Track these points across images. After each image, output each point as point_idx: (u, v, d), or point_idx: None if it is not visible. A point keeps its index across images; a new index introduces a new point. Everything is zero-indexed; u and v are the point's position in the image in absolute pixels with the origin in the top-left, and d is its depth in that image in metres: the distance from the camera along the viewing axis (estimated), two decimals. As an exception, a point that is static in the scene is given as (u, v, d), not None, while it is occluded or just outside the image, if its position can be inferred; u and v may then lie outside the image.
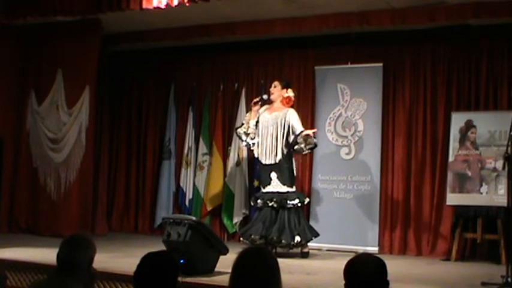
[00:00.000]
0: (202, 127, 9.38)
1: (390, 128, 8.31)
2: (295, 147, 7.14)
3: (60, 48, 8.83)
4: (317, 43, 8.70)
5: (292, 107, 7.42)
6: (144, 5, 7.28)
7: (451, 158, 7.56)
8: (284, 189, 7.16)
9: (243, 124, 7.56)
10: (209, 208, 9.12)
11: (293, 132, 7.17)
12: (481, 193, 7.28)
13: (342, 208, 8.15)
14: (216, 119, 9.31)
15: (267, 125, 7.30)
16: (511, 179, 5.33)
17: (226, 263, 5.52)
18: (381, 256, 2.73)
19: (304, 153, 7.42)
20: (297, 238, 6.93)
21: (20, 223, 8.97)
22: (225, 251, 5.81)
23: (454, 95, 8.01)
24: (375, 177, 8.11)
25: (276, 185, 7.20)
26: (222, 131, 9.25)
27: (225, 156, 9.14)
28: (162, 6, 7.20)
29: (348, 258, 2.67)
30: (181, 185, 9.38)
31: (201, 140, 9.36)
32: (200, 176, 9.28)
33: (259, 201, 7.29)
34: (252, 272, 2.50)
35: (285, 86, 7.42)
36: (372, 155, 8.18)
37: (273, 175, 7.22)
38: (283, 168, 7.19)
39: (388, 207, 8.16)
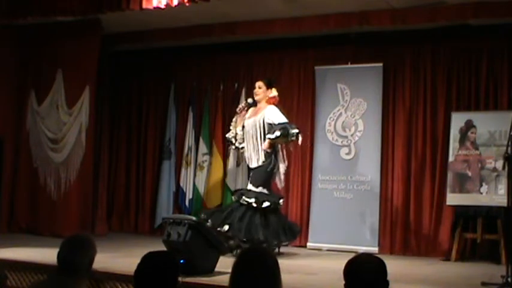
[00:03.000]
0: (202, 127, 9.38)
1: (390, 128, 8.31)
2: (272, 136, 6.92)
3: (60, 48, 8.83)
4: (317, 43, 8.70)
5: (276, 105, 7.27)
6: (144, 5, 7.28)
7: (451, 158, 7.56)
8: (249, 187, 7.04)
9: (230, 130, 7.48)
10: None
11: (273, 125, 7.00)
12: (481, 193, 7.28)
13: (342, 208, 8.15)
14: (216, 119, 9.31)
15: (249, 129, 7.19)
16: (511, 179, 5.33)
17: (226, 263, 5.52)
18: (381, 256, 2.73)
19: (288, 142, 7.12)
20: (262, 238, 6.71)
21: (20, 223, 8.97)
22: (225, 251, 5.80)
23: (454, 95, 8.01)
24: (374, 177, 8.12)
25: (250, 184, 7.08)
26: (222, 131, 9.24)
27: (225, 156, 9.14)
28: (162, 6, 7.19)
29: (348, 258, 2.67)
30: (181, 185, 9.38)
31: (201, 140, 9.36)
32: (200, 176, 9.28)
33: (234, 197, 7.21)
34: (252, 272, 2.50)
35: (269, 86, 7.30)
36: (372, 155, 8.18)
37: (250, 175, 7.18)
38: (262, 170, 7.03)
39: (388, 207, 8.16)
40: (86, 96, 8.69)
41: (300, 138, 7.15)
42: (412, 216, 8.04)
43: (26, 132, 9.08)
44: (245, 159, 7.36)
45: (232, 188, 8.94)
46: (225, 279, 5.09)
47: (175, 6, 7.15)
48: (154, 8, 7.26)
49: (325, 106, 8.54)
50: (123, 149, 10.04)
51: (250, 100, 7.39)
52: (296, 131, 7.00)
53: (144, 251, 2.89)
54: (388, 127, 8.32)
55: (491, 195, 7.20)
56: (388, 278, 2.61)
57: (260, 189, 6.99)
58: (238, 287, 2.52)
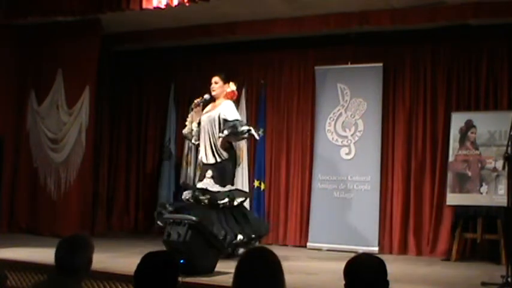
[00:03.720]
0: (203, 127, 9.36)
1: (390, 128, 8.32)
2: (222, 134, 6.76)
3: (60, 48, 8.83)
4: (317, 43, 8.70)
5: (234, 100, 7.11)
6: (144, 5, 7.28)
7: (451, 158, 7.56)
8: (215, 188, 6.79)
9: (186, 126, 7.29)
10: (209, 208, 9.11)
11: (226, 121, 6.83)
12: (481, 193, 7.28)
13: (342, 208, 8.15)
14: (216, 119, 9.30)
15: (204, 124, 6.98)
16: (511, 179, 5.33)
17: (226, 263, 5.53)
18: (381, 256, 2.73)
19: (240, 139, 7.02)
20: (240, 236, 6.63)
21: (20, 223, 8.97)
22: (225, 251, 5.80)
23: (454, 95, 8.01)
24: (374, 177, 8.12)
25: (207, 183, 6.84)
26: (222, 131, 9.24)
27: (225, 156, 9.12)
28: (162, 6, 7.20)
29: (348, 258, 2.67)
30: (181, 184, 9.37)
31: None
32: (200, 176, 9.26)
33: (186, 192, 7.05)
34: (255, 272, 2.50)
35: (226, 80, 7.08)
36: (372, 155, 8.18)
37: (209, 173, 6.89)
38: (220, 167, 6.84)
39: (388, 207, 8.16)
40: (86, 96, 8.69)
41: (256, 135, 7.00)
42: (412, 216, 8.04)
43: (26, 132, 9.08)
44: (199, 155, 7.09)
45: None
46: (225, 279, 5.11)
47: (175, 6, 7.16)
48: (154, 8, 7.26)
49: (325, 106, 8.54)
50: (123, 149, 10.04)
51: (206, 96, 7.11)
52: (245, 128, 6.77)
53: (144, 251, 2.89)
54: (388, 127, 8.32)
55: (491, 195, 7.20)
56: (388, 278, 2.61)
57: (229, 187, 6.85)
58: (242, 287, 2.53)
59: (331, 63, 8.60)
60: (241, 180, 8.92)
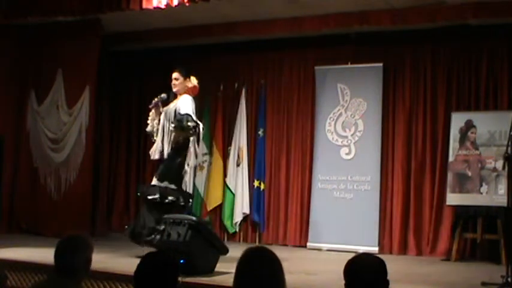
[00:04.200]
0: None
1: (390, 128, 8.32)
2: (170, 127, 6.59)
3: (60, 48, 8.83)
4: (317, 43, 8.71)
5: (196, 95, 6.86)
6: (144, 5, 7.28)
7: (451, 158, 7.56)
8: (163, 184, 6.58)
9: (148, 124, 6.99)
10: (209, 208, 9.12)
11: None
12: (481, 193, 7.28)
13: (342, 208, 8.15)
14: (216, 119, 9.31)
15: (162, 120, 6.75)
16: (511, 179, 5.33)
17: (226, 263, 5.53)
18: (381, 256, 2.73)
19: (188, 135, 6.62)
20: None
21: (20, 223, 8.97)
22: (225, 251, 5.80)
23: (454, 95, 8.01)
24: (374, 177, 8.12)
25: (155, 179, 6.69)
26: (222, 131, 9.26)
27: (225, 156, 9.15)
28: (162, 6, 7.19)
29: (348, 258, 2.67)
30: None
31: (201, 140, 9.34)
32: (200, 176, 9.27)
33: (139, 194, 6.88)
34: (255, 272, 2.51)
35: (187, 75, 6.83)
36: (372, 155, 8.18)
37: (159, 169, 6.75)
38: (168, 163, 6.63)
39: (388, 207, 8.16)
40: (86, 96, 8.69)
41: (202, 133, 6.78)
42: (412, 216, 8.04)
43: (26, 132, 9.08)
44: (158, 151, 6.77)
45: (233, 188, 8.97)
46: (225, 279, 5.11)
47: (176, 6, 7.15)
48: (154, 8, 7.26)
49: (325, 106, 8.54)
50: (123, 149, 10.04)
51: (163, 95, 6.88)
52: (191, 124, 6.50)
53: (144, 251, 2.88)
54: (388, 127, 8.32)
55: (491, 195, 7.20)
56: (388, 278, 2.61)
57: (166, 183, 6.58)
58: (243, 286, 2.53)
59: (331, 63, 8.60)
60: (242, 180, 8.94)
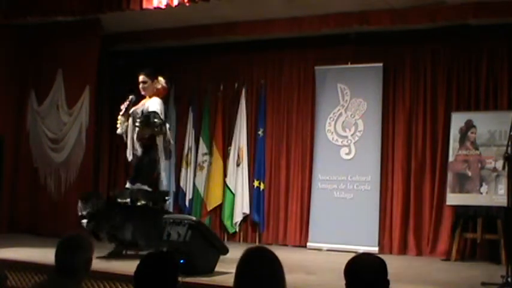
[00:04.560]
0: (202, 127, 9.38)
1: (390, 128, 8.32)
2: (136, 124, 6.54)
3: (60, 48, 8.83)
4: (317, 43, 8.71)
5: (165, 95, 6.85)
6: (144, 5, 7.28)
7: (451, 158, 7.56)
8: (136, 186, 6.55)
9: (117, 127, 6.93)
10: (209, 208, 9.13)
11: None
12: (481, 193, 7.28)
13: (342, 208, 8.15)
14: (216, 119, 9.32)
15: (131, 121, 6.71)
16: (511, 179, 5.33)
17: (226, 263, 5.53)
18: (381, 256, 2.73)
19: (154, 133, 6.57)
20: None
21: (20, 223, 8.96)
22: (225, 251, 5.80)
23: (454, 95, 8.01)
24: (374, 177, 8.12)
25: (128, 182, 6.69)
26: (222, 131, 9.26)
27: (225, 156, 9.15)
28: (163, 6, 7.19)
29: (348, 258, 2.66)
30: (181, 185, 9.38)
31: (201, 140, 9.36)
32: (200, 176, 9.28)
33: (112, 194, 6.82)
34: (255, 272, 2.51)
35: (154, 76, 6.77)
36: (372, 155, 8.18)
37: (133, 171, 6.74)
38: (138, 164, 6.61)
39: (388, 207, 8.16)
40: (86, 96, 8.69)
41: (168, 132, 6.69)
42: (412, 216, 8.04)
43: (26, 132, 9.08)
44: (129, 154, 6.73)
45: (233, 188, 8.97)
46: (225, 279, 5.11)
47: (176, 6, 7.15)
48: (154, 8, 7.26)
49: (325, 106, 8.54)
50: (123, 149, 9.99)
51: (132, 97, 6.80)
52: (158, 121, 6.47)
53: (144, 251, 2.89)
54: (388, 127, 8.32)
55: (491, 195, 7.20)
56: (388, 277, 2.61)
57: (138, 185, 6.55)
58: (244, 286, 2.53)
59: (331, 63, 8.61)
60: (241, 180, 8.95)
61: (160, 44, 9.29)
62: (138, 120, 6.52)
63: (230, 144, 9.13)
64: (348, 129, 8.35)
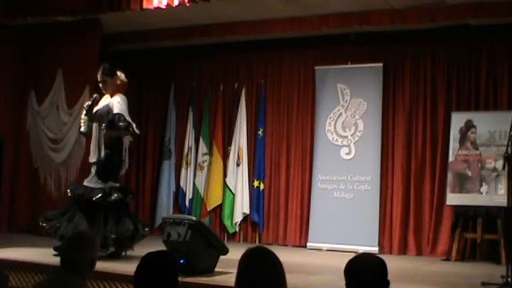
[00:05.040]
0: (202, 127, 9.38)
1: (390, 128, 8.32)
2: (103, 126, 6.43)
3: (60, 48, 8.83)
4: (317, 43, 8.71)
5: (124, 90, 6.71)
6: (145, 5, 7.28)
7: (451, 158, 7.57)
8: (95, 185, 6.48)
9: (81, 126, 6.82)
10: (209, 208, 9.13)
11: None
12: (481, 193, 7.28)
13: (342, 208, 8.15)
14: (216, 119, 9.32)
15: (95, 120, 6.60)
16: (511, 179, 5.33)
17: (226, 263, 5.53)
18: (381, 256, 2.73)
19: (121, 135, 6.53)
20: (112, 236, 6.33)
21: (20, 223, 8.96)
22: (225, 251, 5.80)
23: (454, 95, 8.02)
24: (374, 177, 8.12)
25: (89, 180, 6.59)
26: (222, 131, 9.26)
27: (225, 156, 9.15)
28: (163, 6, 7.19)
29: (348, 258, 2.67)
30: (181, 185, 9.38)
31: (201, 140, 9.37)
32: (200, 176, 9.28)
33: (71, 192, 6.69)
34: (256, 272, 2.51)
35: (113, 74, 6.63)
36: (372, 155, 8.18)
37: (93, 169, 6.64)
38: (101, 163, 6.53)
39: (388, 207, 8.16)
40: (86, 96, 8.65)
41: (137, 132, 6.61)
42: (412, 216, 8.04)
43: (26, 132, 9.08)
44: (93, 152, 6.65)
45: (233, 188, 8.97)
46: (225, 279, 5.11)
47: (176, 6, 7.15)
48: (154, 8, 7.26)
49: (325, 106, 8.55)
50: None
51: (96, 96, 6.68)
52: (123, 124, 6.38)
53: (144, 251, 2.89)
54: (388, 127, 8.32)
55: (491, 195, 7.20)
56: (388, 278, 2.61)
57: (110, 183, 6.49)
58: (245, 286, 2.53)
59: (331, 63, 8.61)
60: (241, 180, 8.95)
61: (160, 44, 9.30)
62: (103, 125, 6.42)
63: (230, 144, 9.14)
64: (348, 129, 8.35)
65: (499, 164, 6.53)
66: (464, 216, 7.39)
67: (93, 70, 8.67)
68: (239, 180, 8.96)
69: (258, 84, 9.18)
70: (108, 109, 6.50)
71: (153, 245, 5.23)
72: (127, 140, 6.63)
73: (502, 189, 7.02)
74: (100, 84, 6.65)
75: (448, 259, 7.39)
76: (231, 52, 9.23)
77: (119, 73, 6.68)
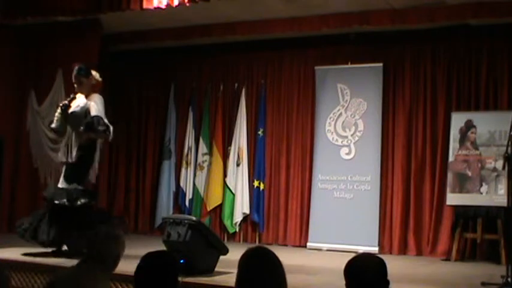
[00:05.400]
0: (202, 127, 9.38)
1: (390, 128, 8.32)
2: (80, 129, 6.35)
3: (60, 48, 8.82)
4: (317, 43, 8.71)
5: (99, 89, 6.63)
6: (145, 5, 7.28)
7: (451, 158, 7.57)
8: (72, 186, 6.37)
9: (54, 121, 6.71)
10: (209, 208, 9.13)
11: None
12: (481, 193, 7.28)
13: (342, 208, 8.15)
14: (216, 119, 9.32)
15: (71, 120, 6.52)
16: (511, 179, 5.33)
17: (226, 263, 5.53)
18: (381, 256, 2.73)
19: (97, 137, 6.49)
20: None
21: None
22: (225, 251, 5.80)
23: (454, 95, 8.02)
24: (374, 177, 8.12)
25: (61, 181, 6.51)
26: (222, 131, 9.26)
27: (225, 156, 9.15)
28: (163, 6, 7.19)
29: (348, 258, 2.67)
30: (181, 185, 9.38)
31: (201, 140, 9.37)
32: (200, 176, 9.28)
33: (47, 194, 6.60)
34: (257, 272, 2.52)
35: (89, 73, 6.57)
36: (372, 155, 8.18)
37: (64, 171, 6.57)
38: (77, 165, 6.44)
39: (388, 207, 8.17)
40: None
41: (111, 136, 6.47)
42: (412, 216, 8.04)
43: (26, 132, 9.07)
44: (64, 153, 6.64)
45: (233, 188, 8.97)
46: (225, 279, 5.11)
47: (176, 6, 7.15)
48: (155, 8, 7.26)
49: (325, 106, 8.55)
50: (123, 149, 10.04)
51: (73, 96, 6.60)
52: (101, 128, 6.28)
53: (144, 251, 2.89)
54: (388, 127, 8.32)
55: (491, 195, 7.20)
56: (388, 278, 2.61)
57: (74, 185, 6.37)
58: (245, 286, 2.53)
59: (331, 63, 8.61)
60: (241, 180, 8.95)
61: (160, 44, 9.30)
62: (81, 127, 6.32)
63: (230, 144, 9.14)
64: (348, 129, 8.36)
65: (499, 164, 6.53)
66: (464, 216, 7.39)
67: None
68: (239, 180, 8.96)
69: (258, 84, 9.18)
70: (85, 110, 6.40)
71: (153, 245, 5.23)
72: (100, 143, 6.60)
73: (502, 189, 7.03)
74: (75, 85, 6.57)
75: (448, 259, 7.39)
76: (231, 52, 9.24)
77: (93, 73, 6.63)
